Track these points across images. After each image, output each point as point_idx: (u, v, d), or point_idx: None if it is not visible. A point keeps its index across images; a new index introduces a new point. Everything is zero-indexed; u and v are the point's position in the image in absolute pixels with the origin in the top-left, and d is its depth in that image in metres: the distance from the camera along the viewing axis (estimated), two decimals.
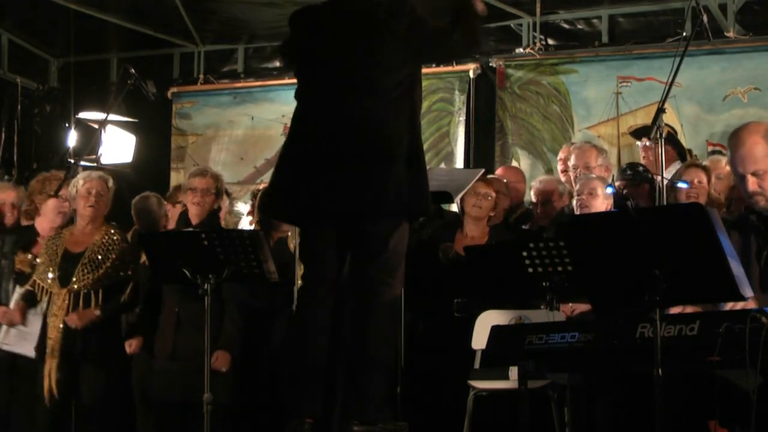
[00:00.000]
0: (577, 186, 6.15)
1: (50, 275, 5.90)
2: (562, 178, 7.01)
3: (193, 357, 5.37)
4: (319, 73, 4.44)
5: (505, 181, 6.95)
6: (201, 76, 9.76)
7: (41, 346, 5.86)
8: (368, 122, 4.31)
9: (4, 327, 6.10)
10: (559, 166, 7.31)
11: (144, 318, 5.92)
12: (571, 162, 6.79)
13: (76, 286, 5.85)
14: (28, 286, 6.01)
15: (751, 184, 4.18)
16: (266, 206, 4.79)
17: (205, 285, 5.18)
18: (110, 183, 6.09)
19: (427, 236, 6.40)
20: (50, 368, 5.75)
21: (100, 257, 5.92)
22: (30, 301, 6.02)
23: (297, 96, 4.54)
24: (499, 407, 5.49)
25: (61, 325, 5.79)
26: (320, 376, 4.35)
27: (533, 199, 6.76)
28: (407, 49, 4.34)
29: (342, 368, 4.36)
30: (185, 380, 5.46)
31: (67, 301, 5.82)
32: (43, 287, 5.94)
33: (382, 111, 4.31)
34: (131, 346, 5.88)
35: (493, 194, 6.15)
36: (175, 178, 9.53)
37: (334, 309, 4.42)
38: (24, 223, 6.56)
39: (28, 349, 5.97)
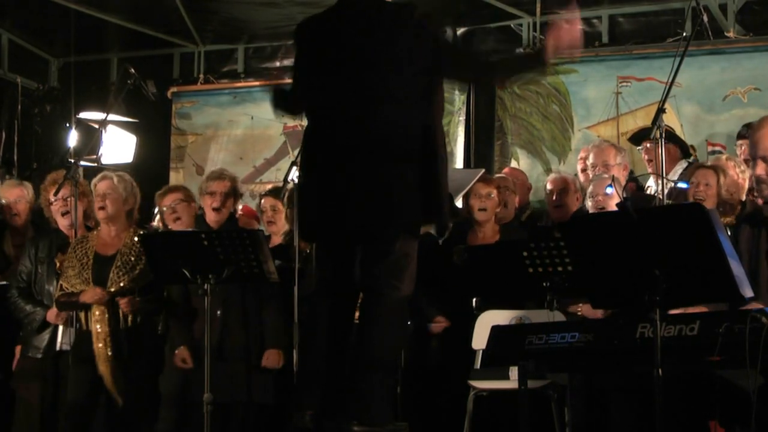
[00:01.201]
0: (591, 187, 6.10)
1: (82, 279, 5.79)
2: (581, 177, 6.96)
3: (240, 357, 5.44)
4: (328, 81, 4.42)
5: (510, 178, 6.96)
6: (201, 76, 9.76)
7: (78, 349, 5.79)
8: (379, 128, 4.29)
9: (61, 328, 6.03)
10: (579, 165, 7.26)
11: (183, 323, 5.85)
12: (590, 161, 6.75)
13: (113, 289, 5.75)
14: (59, 291, 5.89)
15: (760, 168, 4.15)
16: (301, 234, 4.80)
17: (205, 285, 5.19)
18: (116, 180, 5.97)
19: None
20: (107, 374, 5.67)
21: (133, 258, 5.81)
22: (69, 303, 5.89)
23: (307, 112, 4.54)
24: (499, 407, 5.49)
25: (107, 329, 5.70)
26: (320, 375, 4.36)
27: (548, 187, 6.73)
28: (415, 59, 4.31)
29: (347, 368, 4.36)
30: (232, 380, 5.46)
31: (105, 304, 5.72)
32: (73, 291, 5.81)
33: (394, 116, 4.29)
34: (184, 360, 5.74)
35: (495, 192, 6.13)
36: (175, 178, 9.53)
37: (340, 312, 4.43)
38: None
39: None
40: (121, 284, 5.77)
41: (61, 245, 6.14)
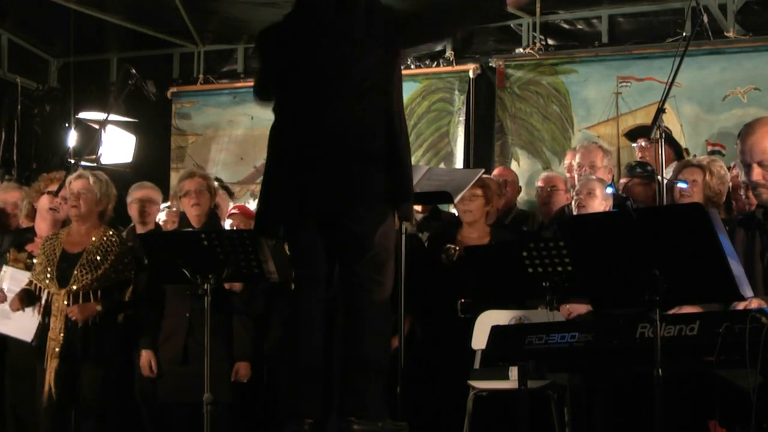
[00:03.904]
0: (577, 186, 6.15)
1: (48, 275, 5.87)
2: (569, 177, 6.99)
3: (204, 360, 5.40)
4: (289, 79, 4.46)
5: (501, 180, 6.96)
6: (201, 76, 9.76)
7: (41, 339, 5.83)
8: (340, 121, 4.32)
9: None
10: (567, 174, 7.30)
11: (150, 325, 5.89)
12: (576, 161, 6.79)
13: (75, 287, 5.81)
14: (25, 286, 5.97)
15: (756, 174, 4.17)
16: (257, 227, 4.77)
17: (205, 285, 5.19)
18: (92, 181, 5.98)
19: (427, 237, 6.40)
20: (51, 369, 5.74)
21: (98, 258, 5.88)
22: (29, 299, 5.95)
23: (274, 109, 4.56)
24: (499, 407, 5.49)
25: (62, 326, 5.76)
26: (317, 377, 4.36)
27: (539, 184, 6.75)
28: (371, 36, 4.35)
29: (338, 368, 4.36)
30: (196, 383, 5.43)
31: (66, 302, 5.79)
32: (40, 287, 5.90)
33: (353, 109, 4.32)
34: (148, 364, 5.80)
35: (479, 192, 6.12)
36: (175, 178, 9.52)
37: (327, 309, 4.43)
38: (26, 224, 6.57)
39: (13, 330, 6.00)
40: (83, 283, 5.81)
41: (20, 242, 6.20)
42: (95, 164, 7.19)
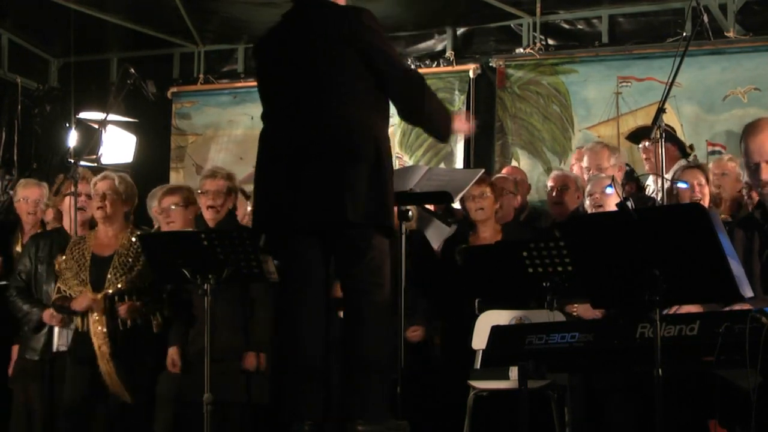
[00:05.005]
0: (589, 186, 6.14)
1: (80, 281, 5.81)
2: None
3: (227, 357, 5.45)
4: (279, 84, 4.46)
5: (513, 178, 6.96)
6: (201, 76, 9.76)
7: (76, 350, 5.82)
8: (331, 123, 4.31)
9: (57, 330, 6.01)
10: (574, 168, 7.30)
11: (177, 325, 5.88)
12: (584, 164, 6.80)
13: (110, 290, 5.77)
14: (56, 294, 5.90)
15: (765, 173, 4.16)
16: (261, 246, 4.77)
17: (205, 285, 5.18)
18: (117, 181, 5.98)
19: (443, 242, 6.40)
20: (110, 371, 5.68)
21: (131, 260, 5.83)
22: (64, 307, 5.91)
23: (263, 115, 4.56)
24: (499, 407, 5.49)
25: (105, 329, 5.71)
26: (317, 379, 4.35)
27: (549, 184, 6.74)
28: (360, 58, 4.33)
29: (336, 370, 4.36)
30: (218, 381, 5.42)
31: (103, 306, 5.73)
32: (69, 293, 5.83)
33: (346, 111, 4.31)
34: (171, 360, 5.79)
35: (488, 190, 6.12)
36: (175, 178, 9.53)
37: (324, 311, 4.43)
38: (54, 225, 6.55)
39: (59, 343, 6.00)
40: (119, 285, 5.78)
41: (62, 246, 6.12)
42: (95, 164, 7.18)
